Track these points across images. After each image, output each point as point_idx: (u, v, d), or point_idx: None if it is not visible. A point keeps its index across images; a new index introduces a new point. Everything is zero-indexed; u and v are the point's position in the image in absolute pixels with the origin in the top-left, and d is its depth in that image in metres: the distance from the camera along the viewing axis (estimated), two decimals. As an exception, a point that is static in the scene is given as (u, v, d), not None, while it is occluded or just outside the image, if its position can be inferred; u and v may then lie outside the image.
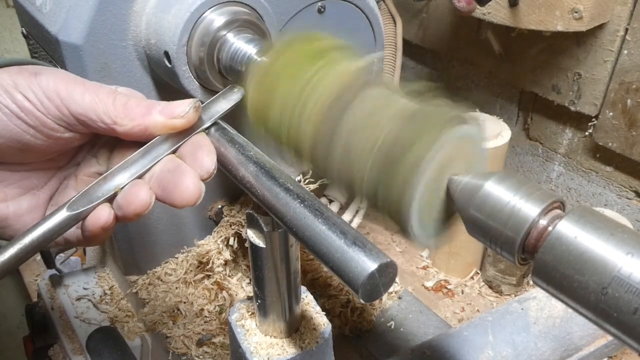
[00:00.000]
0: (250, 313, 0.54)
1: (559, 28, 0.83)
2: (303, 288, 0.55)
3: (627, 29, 0.86)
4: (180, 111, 0.42)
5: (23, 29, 0.78)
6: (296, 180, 0.67)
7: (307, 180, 0.82)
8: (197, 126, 0.44)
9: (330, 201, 0.97)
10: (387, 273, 0.34)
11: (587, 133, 0.99)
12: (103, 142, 0.47)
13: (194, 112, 0.42)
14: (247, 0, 0.63)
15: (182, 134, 0.43)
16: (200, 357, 0.77)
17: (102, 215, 0.41)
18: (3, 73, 0.41)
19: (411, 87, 0.44)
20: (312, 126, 0.44)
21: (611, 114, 0.91)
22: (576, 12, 0.81)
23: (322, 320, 0.54)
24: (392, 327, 0.80)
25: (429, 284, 1.07)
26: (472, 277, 1.08)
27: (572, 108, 0.97)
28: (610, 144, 0.93)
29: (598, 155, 1.00)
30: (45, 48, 0.71)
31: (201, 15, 0.60)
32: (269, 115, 0.47)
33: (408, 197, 0.38)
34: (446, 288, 1.07)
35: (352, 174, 0.41)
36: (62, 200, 0.46)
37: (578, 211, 0.33)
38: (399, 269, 1.09)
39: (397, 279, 0.66)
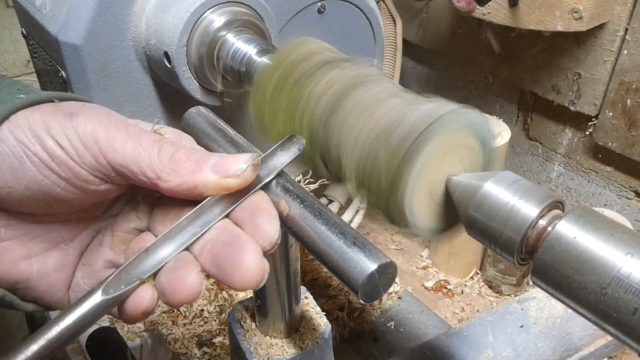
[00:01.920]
0: (250, 313, 0.54)
1: (559, 28, 0.83)
2: (303, 288, 0.55)
3: (627, 29, 0.86)
4: (237, 169, 0.35)
5: (23, 29, 0.78)
6: (296, 180, 0.67)
7: (307, 180, 0.82)
8: (254, 184, 0.37)
9: (330, 201, 0.97)
10: (386, 273, 0.34)
11: (587, 133, 0.99)
12: (145, 194, 0.41)
13: (252, 171, 0.36)
14: (247, 1, 0.63)
15: (238, 193, 0.37)
16: (200, 357, 0.77)
17: (144, 300, 0.34)
18: (34, 112, 0.35)
19: (411, 88, 0.44)
20: (310, 122, 0.44)
21: (611, 114, 0.91)
22: (576, 12, 0.81)
23: (321, 321, 0.54)
24: (392, 327, 0.80)
25: (429, 284, 1.07)
26: (472, 277, 1.08)
27: (572, 108, 0.97)
28: (610, 144, 0.93)
29: (598, 155, 1.00)
30: (45, 48, 0.71)
31: (201, 15, 0.60)
32: (271, 119, 0.47)
33: (405, 169, 0.37)
34: (446, 288, 1.07)
35: (349, 156, 0.42)
36: (94, 260, 0.40)
37: (577, 211, 0.33)
38: (399, 269, 1.09)
39: (397, 279, 0.66)
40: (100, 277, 0.39)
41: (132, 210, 0.41)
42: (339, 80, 0.44)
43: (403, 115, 0.39)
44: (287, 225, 0.39)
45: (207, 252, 0.35)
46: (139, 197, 0.41)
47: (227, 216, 0.36)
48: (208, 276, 0.35)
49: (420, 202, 0.39)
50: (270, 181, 0.39)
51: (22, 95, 0.36)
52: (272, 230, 0.35)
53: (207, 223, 0.36)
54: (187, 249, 0.35)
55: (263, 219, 0.35)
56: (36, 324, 0.92)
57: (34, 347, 0.32)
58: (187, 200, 0.37)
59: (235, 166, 0.36)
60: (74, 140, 0.35)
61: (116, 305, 0.35)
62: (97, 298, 0.34)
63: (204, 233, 0.36)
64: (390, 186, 0.39)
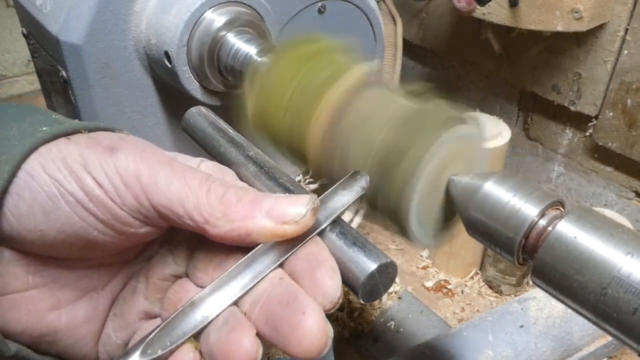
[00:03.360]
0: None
1: (559, 28, 0.83)
2: (303, 288, 0.55)
3: (627, 29, 0.86)
4: (295, 215, 0.31)
5: (23, 28, 0.78)
6: (296, 180, 0.67)
7: (307, 180, 0.82)
8: (311, 229, 0.33)
9: (330, 201, 0.97)
10: (387, 273, 0.34)
11: (587, 133, 0.99)
12: (183, 236, 0.37)
13: (311, 216, 0.32)
14: (248, 1, 0.63)
15: (293, 241, 0.33)
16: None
17: None
18: (70, 145, 0.32)
19: (411, 88, 0.44)
20: (310, 130, 0.44)
21: (611, 114, 0.91)
22: (576, 12, 0.81)
23: (322, 320, 0.54)
24: (392, 327, 0.80)
25: (429, 284, 1.07)
26: (472, 277, 1.08)
27: (572, 108, 0.97)
28: (610, 144, 0.93)
29: (598, 155, 1.00)
30: (45, 48, 0.71)
31: (201, 15, 0.60)
32: (268, 119, 0.47)
33: (406, 198, 0.38)
34: (446, 288, 1.07)
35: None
36: (127, 311, 0.36)
37: (578, 211, 0.33)
38: (399, 269, 1.09)
39: (397, 279, 0.66)
40: (133, 329, 0.36)
41: (168, 254, 0.37)
42: (338, 87, 0.44)
43: (398, 141, 0.39)
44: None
45: (259, 308, 0.31)
46: (178, 240, 0.37)
47: (280, 266, 0.33)
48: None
49: (426, 221, 0.40)
50: (328, 226, 0.35)
51: (45, 128, 0.32)
52: (334, 287, 0.31)
53: (259, 274, 0.32)
54: (235, 303, 0.32)
55: (324, 274, 0.31)
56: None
57: None
58: (233, 247, 0.34)
59: (294, 210, 0.32)
60: (114, 178, 0.31)
61: None
62: None
63: (255, 285, 0.32)
64: (394, 220, 0.39)
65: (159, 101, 0.71)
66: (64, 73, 0.66)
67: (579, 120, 1.00)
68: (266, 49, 0.58)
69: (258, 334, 0.30)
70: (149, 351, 0.30)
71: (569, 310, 0.34)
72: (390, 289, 0.80)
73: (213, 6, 0.60)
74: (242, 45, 0.59)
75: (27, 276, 0.33)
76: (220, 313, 0.31)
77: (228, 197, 0.32)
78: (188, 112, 0.48)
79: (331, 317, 0.79)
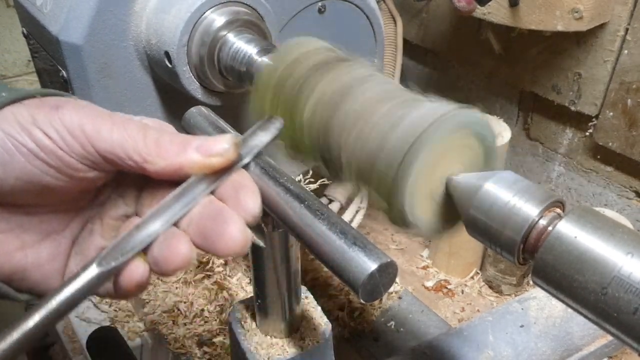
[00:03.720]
0: (250, 313, 0.54)
1: (559, 28, 0.83)
2: (303, 288, 0.55)
3: (627, 29, 0.86)
4: (219, 149, 0.37)
5: (23, 28, 0.78)
6: (296, 180, 0.67)
7: (307, 180, 0.82)
8: (236, 162, 0.39)
9: (330, 201, 0.97)
10: (387, 273, 0.34)
11: (587, 133, 0.99)
12: (130, 181, 0.42)
13: (234, 150, 0.38)
14: (248, 1, 0.63)
15: (221, 172, 0.39)
16: (200, 357, 0.77)
17: (137, 271, 0.36)
18: (20, 107, 0.36)
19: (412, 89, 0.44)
20: (310, 124, 0.44)
21: (611, 114, 0.91)
22: (576, 12, 0.81)
23: (322, 321, 0.54)
24: (393, 327, 0.80)
25: (429, 284, 1.07)
26: (472, 277, 1.08)
27: (573, 108, 0.97)
28: (610, 144, 0.93)
29: (598, 155, 1.00)
30: (45, 48, 0.71)
31: (202, 15, 0.60)
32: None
33: (402, 175, 0.37)
34: (446, 288, 1.07)
35: (349, 159, 0.42)
36: (86, 248, 0.42)
37: (578, 211, 0.33)
38: (399, 269, 1.09)
39: (397, 279, 0.66)
40: None
41: (119, 198, 0.42)
42: (338, 81, 0.44)
43: (398, 120, 0.39)
44: (287, 225, 0.39)
45: (193, 225, 0.37)
46: (125, 184, 0.42)
47: (211, 193, 0.38)
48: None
49: (422, 205, 0.39)
50: (251, 161, 0.41)
51: (3, 94, 0.37)
52: (254, 205, 0.37)
53: (192, 200, 0.37)
54: (175, 225, 0.37)
55: (246, 195, 0.37)
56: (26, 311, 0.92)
57: (35, 318, 0.33)
58: (173, 184, 0.39)
59: (218, 146, 0.37)
60: (61, 130, 0.36)
61: (111, 278, 0.36)
62: (93, 271, 0.35)
63: (190, 209, 0.37)
64: (389, 195, 0.39)
65: (159, 101, 0.71)
66: (64, 73, 0.66)
67: (579, 120, 1.00)
68: (266, 49, 0.58)
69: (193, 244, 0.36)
70: (103, 263, 0.35)
71: (570, 310, 0.34)
72: (391, 289, 0.80)
73: (213, 6, 0.60)
74: (242, 45, 0.59)
75: None
76: (162, 231, 0.36)
77: (162, 140, 0.38)
78: (188, 112, 0.48)
79: (331, 316, 0.79)
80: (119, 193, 0.42)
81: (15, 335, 0.32)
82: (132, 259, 0.36)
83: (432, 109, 0.39)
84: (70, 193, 0.40)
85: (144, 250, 0.36)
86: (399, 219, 0.39)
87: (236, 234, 0.35)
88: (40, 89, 0.39)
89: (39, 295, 0.41)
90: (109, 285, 0.37)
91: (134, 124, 0.38)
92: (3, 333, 0.32)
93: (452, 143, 0.39)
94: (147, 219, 0.37)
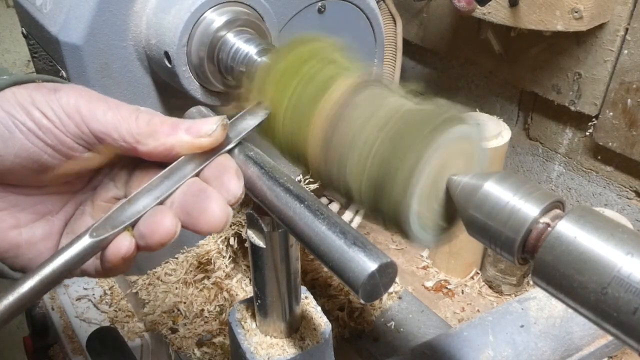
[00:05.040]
0: (250, 313, 0.54)
1: (559, 28, 0.83)
2: (303, 288, 0.55)
3: (627, 29, 0.86)
4: (208, 129, 0.39)
5: (23, 29, 0.78)
6: (296, 180, 0.67)
7: (307, 180, 0.82)
8: (222, 146, 0.41)
9: (330, 201, 0.97)
10: (387, 273, 0.34)
11: (587, 133, 0.99)
12: (122, 165, 0.44)
13: (222, 131, 0.40)
14: (247, 0, 0.63)
15: (207, 154, 0.41)
16: (200, 357, 0.77)
17: (123, 245, 0.37)
18: (20, 89, 0.39)
19: (410, 87, 0.43)
20: (308, 139, 0.44)
21: (611, 113, 0.91)
22: (576, 12, 0.81)
23: (322, 321, 0.54)
24: (392, 327, 0.80)
25: (429, 284, 1.07)
26: (472, 277, 1.08)
27: (572, 108, 0.97)
28: (610, 143, 0.93)
29: (598, 155, 1.00)
30: (45, 48, 0.71)
31: (201, 15, 0.60)
32: (269, 125, 0.47)
33: (406, 202, 0.38)
34: (446, 288, 1.07)
35: (349, 183, 0.41)
36: (77, 228, 0.43)
37: (578, 211, 0.33)
38: (399, 269, 1.09)
39: (397, 279, 0.66)
40: None
41: (110, 181, 0.44)
42: (339, 87, 0.44)
43: (395, 142, 0.39)
44: (287, 225, 0.39)
45: (177, 203, 0.39)
46: (117, 169, 0.44)
47: (197, 175, 0.40)
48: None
49: (426, 217, 0.40)
50: (236, 145, 0.43)
51: (5, 77, 0.39)
52: (236, 187, 0.39)
53: (179, 179, 0.39)
54: (161, 203, 0.39)
55: (229, 177, 0.39)
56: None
57: (30, 283, 0.35)
58: (160, 167, 0.40)
59: (207, 127, 0.39)
60: (58, 111, 0.38)
61: (100, 250, 0.37)
62: (85, 241, 0.37)
63: (177, 188, 0.39)
64: (395, 219, 0.39)
65: (159, 101, 0.71)
66: (63, 73, 0.66)
67: (579, 120, 1.00)
68: (266, 49, 0.58)
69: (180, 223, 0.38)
70: (94, 234, 0.37)
71: (570, 310, 0.34)
72: (391, 289, 0.80)
73: (213, 6, 0.60)
74: (242, 45, 0.59)
75: None
76: (148, 209, 0.38)
77: (154, 121, 0.40)
78: (188, 112, 0.48)
79: (331, 317, 0.79)
80: (111, 177, 0.44)
81: (11, 298, 0.34)
82: (122, 231, 0.38)
83: (425, 124, 0.38)
84: (66, 174, 0.41)
85: (132, 225, 0.38)
86: (408, 239, 0.40)
87: (217, 210, 0.37)
88: (40, 75, 0.42)
89: None
90: (97, 262, 0.39)
91: (127, 107, 0.40)
92: None
93: (448, 154, 0.39)
94: (136, 196, 0.39)
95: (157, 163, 0.41)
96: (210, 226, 0.37)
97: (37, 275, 0.35)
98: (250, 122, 0.44)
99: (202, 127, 0.39)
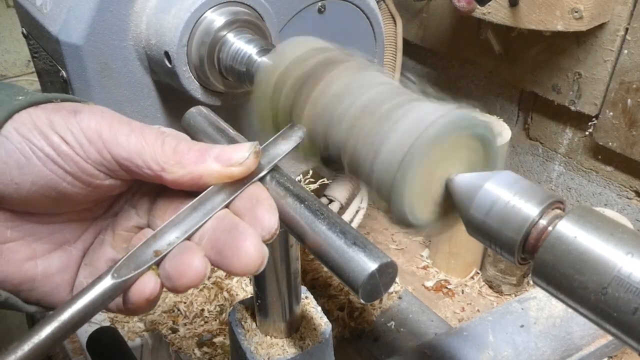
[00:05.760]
0: (250, 313, 0.54)
1: (559, 28, 0.83)
2: (303, 288, 0.55)
3: (627, 29, 0.86)
4: (239, 157, 0.36)
5: (23, 29, 0.78)
6: (296, 180, 0.67)
7: (307, 180, 0.82)
8: (254, 174, 0.38)
9: (330, 201, 0.97)
10: (387, 273, 0.34)
11: (587, 133, 0.99)
12: (144, 191, 0.41)
13: (254, 158, 0.37)
14: (248, 1, 0.63)
15: (237, 183, 0.37)
16: (200, 357, 0.77)
17: (148, 286, 0.34)
18: (38, 110, 0.36)
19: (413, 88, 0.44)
20: (310, 123, 0.44)
21: (611, 113, 0.91)
22: (576, 12, 0.81)
23: (322, 321, 0.54)
24: (392, 327, 0.80)
25: (429, 284, 1.07)
26: (472, 277, 1.08)
27: (572, 108, 0.97)
28: (610, 143, 0.93)
29: (598, 155, 1.00)
30: (45, 48, 0.71)
31: (201, 15, 0.60)
32: (273, 119, 0.47)
33: (400, 179, 0.37)
34: (446, 288, 1.07)
35: (349, 161, 0.42)
36: (97, 260, 0.41)
37: (578, 211, 0.33)
38: (399, 269, 1.09)
39: (397, 279, 0.66)
40: None
41: (132, 208, 0.41)
42: (337, 82, 0.44)
43: (394, 123, 0.39)
44: (287, 225, 0.39)
45: (207, 239, 0.35)
46: (139, 195, 0.41)
47: (227, 206, 0.37)
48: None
49: (421, 206, 0.39)
50: (269, 172, 0.39)
51: (20, 97, 0.36)
52: (271, 221, 0.35)
53: (209, 212, 0.36)
54: (188, 238, 0.36)
55: (263, 210, 0.36)
56: (36, 323, 0.92)
57: (47, 329, 0.32)
58: (186, 195, 0.38)
59: (238, 154, 0.36)
60: (78, 135, 0.35)
61: (124, 291, 0.35)
62: (107, 282, 0.34)
63: (205, 221, 0.36)
64: (388, 197, 0.39)
65: (159, 101, 0.71)
66: (63, 73, 0.66)
67: (579, 120, 1.00)
68: (266, 49, 0.58)
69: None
70: (119, 274, 0.34)
71: (570, 310, 0.34)
72: (391, 289, 0.80)
73: (213, 6, 0.60)
74: (242, 46, 0.59)
75: (5, 230, 0.37)
76: (175, 245, 0.35)
77: (180, 147, 0.37)
78: (188, 112, 0.48)
79: (331, 317, 0.79)
80: (132, 204, 0.41)
81: (27, 347, 0.31)
82: (146, 271, 0.35)
83: (429, 112, 0.39)
84: (86, 202, 0.39)
85: (157, 263, 0.35)
86: (399, 219, 0.39)
87: (252, 250, 0.34)
88: (58, 94, 0.39)
89: (47, 307, 0.41)
90: (119, 300, 0.36)
91: (152, 131, 0.37)
92: (15, 345, 0.31)
93: (450, 145, 0.39)
94: (162, 230, 0.36)
95: (183, 190, 0.38)
96: (244, 267, 0.34)
97: (56, 321, 0.32)
98: (283, 147, 0.41)
99: (233, 155, 0.36)
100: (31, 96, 0.36)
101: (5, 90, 0.37)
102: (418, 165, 0.37)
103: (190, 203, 0.37)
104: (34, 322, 0.91)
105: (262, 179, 0.39)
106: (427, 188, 0.39)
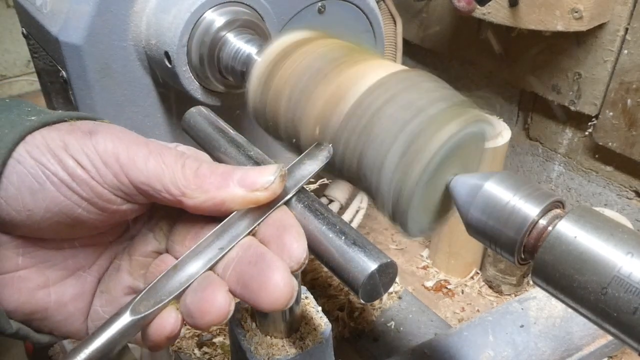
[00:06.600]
0: (250, 313, 0.54)
1: (559, 28, 0.83)
2: (303, 288, 0.55)
3: (627, 29, 0.86)
4: (265, 182, 0.34)
5: (23, 29, 0.78)
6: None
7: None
8: (279, 198, 0.35)
9: (330, 201, 0.97)
10: (387, 273, 0.34)
11: (587, 133, 0.99)
12: (162, 214, 0.39)
13: (280, 182, 0.34)
14: (248, 1, 0.63)
15: (262, 208, 0.35)
16: (200, 357, 0.77)
17: (168, 322, 0.32)
18: (51, 131, 0.34)
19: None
20: (314, 120, 0.43)
21: (611, 113, 0.91)
22: (576, 12, 0.81)
23: (322, 321, 0.54)
24: (392, 327, 0.80)
25: (429, 284, 1.07)
26: (472, 277, 1.08)
27: (572, 108, 0.97)
28: (610, 143, 0.93)
29: (598, 155, 1.00)
30: (45, 48, 0.71)
31: (201, 15, 0.60)
32: (270, 111, 0.47)
33: (411, 185, 0.37)
34: (446, 288, 1.07)
35: (350, 169, 0.41)
36: (113, 287, 0.38)
37: (578, 211, 0.33)
38: (399, 269, 1.09)
39: (397, 279, 0.66)
40: (119, 304, 0.37)
41: (149, 232, 0.39)
42: (334, 79, 0.44)
43: (398, 134, 0.38)
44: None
45: (231, 270, 0.33)
46: (156, 218, 0.39)
47: (251, 233, 0.35)
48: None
49: (424, 216, 0.40)
50: (294, 195, 0.37)
51: (33, 117, 0.34)
52: (299, 249, 0.33)
53: (233, 239, 0.34)
54: (210, 268, 0.34)
55: (290, 238, 0.33)
56: None
57: None
58: (207, 219, 0.36)
59: (263, 178, 0.34)
60: (94, 158, 0.33)
61: (144, 327, 0.33)
62: (125, 319, 0.32)
63: (229, 250, 0.34)
64: (393, 221, 0.39)
65: (159, 101, 0.71)
66: (64, 73, 0.66)
67: (579, 120, 1.00)
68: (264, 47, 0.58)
69: (230, 292, 0.33)
70: (136, 310, 0.32)
71: (570, 310, 0.34)
72: (391, 289, 0.80)
73: (213, 6, 0.60)
74: (242, 45, 0.59)
75: (17, 257, 0.35)
76: (197, 277, 0.33)
77: (202, 171, 0.34)
78: (188, 112, 0.48)
79: (331, 317, 0.79)
80: (149, 227, 0.39)
81: None
82: (164, 308, 0.33)
83: (436, 123, 0.38)
84: (101, 227, 0.37)
85: (177, 297, 0.33)
86: (404, 233, 0.40)
87: (280, 283, 0.31)
88: (72, 112, 0.37)
89: (60, 337, 0.39)
90: (138, 334, 0.34)
91: (171, 152, 0.35)
92: None
93: (451, 155, 0.39)
94: (183, 260, 0.34)
95: (204, 215, 0.36)
96: (274, 302, 0.31)
97: None
98: (309, 168, 0.39)
99: (257, 179, 0.34)
100: (44, 116, 0.35)
101: (16, 108, 0.35)
102: (420, 196, 0.38)
103: (213, 230, 0.34)
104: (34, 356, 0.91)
105: (287, 202, 0.37)
106: (430, 198, 0.39)
